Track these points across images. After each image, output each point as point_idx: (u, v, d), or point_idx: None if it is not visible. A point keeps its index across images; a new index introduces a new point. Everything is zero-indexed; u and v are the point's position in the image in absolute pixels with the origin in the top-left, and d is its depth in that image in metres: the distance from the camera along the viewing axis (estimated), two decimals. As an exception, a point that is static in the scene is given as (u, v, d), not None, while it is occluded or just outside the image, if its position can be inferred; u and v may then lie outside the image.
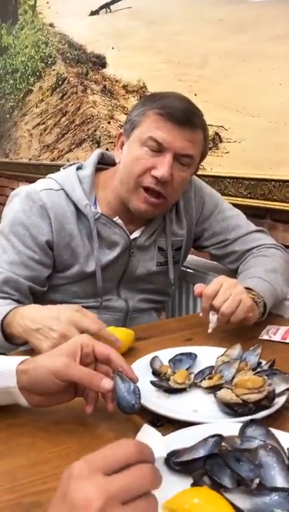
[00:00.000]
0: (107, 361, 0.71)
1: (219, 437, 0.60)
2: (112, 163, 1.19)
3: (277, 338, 1.04)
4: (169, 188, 1.07)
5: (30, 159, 3.20)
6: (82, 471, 0.41)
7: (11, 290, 1.06)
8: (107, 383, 0.67)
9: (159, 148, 1.05)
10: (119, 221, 1.15)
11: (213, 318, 0.98)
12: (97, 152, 1.20)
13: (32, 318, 0.91)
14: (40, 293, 1.13)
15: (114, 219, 1.14)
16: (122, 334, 0.93)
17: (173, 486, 0.55)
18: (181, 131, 1.04)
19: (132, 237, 1.17)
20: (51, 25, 2.81)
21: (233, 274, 1.25)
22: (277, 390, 0.75)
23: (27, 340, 0.92)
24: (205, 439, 0.60)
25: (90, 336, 0.74)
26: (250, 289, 1.05)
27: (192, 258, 1.49)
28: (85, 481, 0.40)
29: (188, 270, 1.49)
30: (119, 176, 1.12)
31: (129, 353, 0.94)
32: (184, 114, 1.04)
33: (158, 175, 1.04)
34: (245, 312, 0.97)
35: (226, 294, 0.96)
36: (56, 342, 0.84)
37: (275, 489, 0.53)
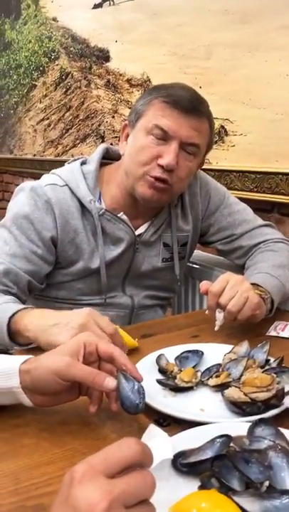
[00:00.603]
0: (111, 360, 0.69)
1: (227, 438, 0.58)
2: (117, 158, 1.17)
3: (285, 334, 1.02)
4: (174, 177, 1.06)
5: (34, 155, 3.18)
6: (83, 474, 0.40)
7: (9, 283, 1.04)
8: (110, 382, 0.65)
9: (164, 137, 1.03)
10: (124, 217, 1.13)
11: (219, 315, 0.96)
12: (102, 147, 1.19)
13: (48, 315, 0.89)
14: (37, 290, 1.11)
15: (118, 215, 1.12)
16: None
17: (180, 488, 0.54)
18: (187, 119, 1.03)
19: (136, 232, 1.16)
20: (54, 19, 2.79)
21: (240, 269, 1.23)
22: (287, 389, 0.73)
23: (35, 339, 0.89)
24: (212, 440, 0.58)
25: (93, 334, 0.73)
26: (258, 285, 1.03)
27: (198, 253, 1.47)
28: (87, 484, 0.39)
29: (194, 266, 1.47)
30: (125, 166, 1.10)
31: (135, 351, 0.93)
32: (190, 102, 1.03)
33: (164, 163, 1.02)
34: (253, 309, 0.95)
35: (233, 291, 0.94)
36: (77, 332, 0.81)
37: (286, 492, 0.51)
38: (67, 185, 1.10)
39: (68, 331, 0.83)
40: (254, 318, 0.98)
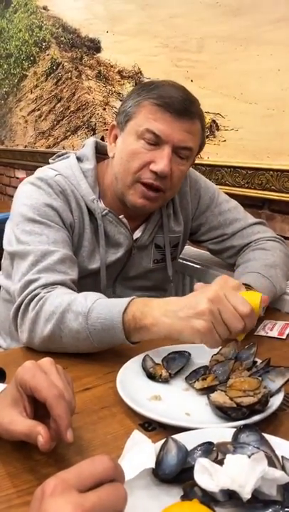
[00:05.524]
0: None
1: (210, 445, 0.58)
2: (105, 153, 1.15)
3: (273, 334, 1.02)
4: (168, 183, 1.03)
5: (25, 146, 3.15)
6: (55, 489, 0.40)
7: (68, 269, 0.97)
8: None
9: (156, 141, 1.00)
10: (125, 220, 1.10)
11: None
12: (92, 142, 1.15)
13: (170, 302, 0.83)
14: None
15: (120, 217, 1.10)
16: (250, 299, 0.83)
17: (162, 498, 0.53)
18: (180, 123, 1.00)
19: (134, 237, 1.14)
20: (45, 8, 2.74)
21: (232, 266, 1.22)
22: (274, 387, 0.73)
23: (160, 332, 0.82)
24: (195, 448, 0.58)
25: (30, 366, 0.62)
26: (249, 286, 1.02)
27: (195, 251, 1.45)
28: (58, 498, 0.39)
29: (189, 263, 1.45)
30: (115, 171, 1.07)
31: (121, 351, 0.92)
32: (182, 104, 0.99)
33: (157, 169, 0.99)
34: None
35: None
36: (206, 310, 0.76)
37: (268, 502, 0.51)
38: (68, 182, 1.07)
39: (195, 315, 0.77)
40: None
